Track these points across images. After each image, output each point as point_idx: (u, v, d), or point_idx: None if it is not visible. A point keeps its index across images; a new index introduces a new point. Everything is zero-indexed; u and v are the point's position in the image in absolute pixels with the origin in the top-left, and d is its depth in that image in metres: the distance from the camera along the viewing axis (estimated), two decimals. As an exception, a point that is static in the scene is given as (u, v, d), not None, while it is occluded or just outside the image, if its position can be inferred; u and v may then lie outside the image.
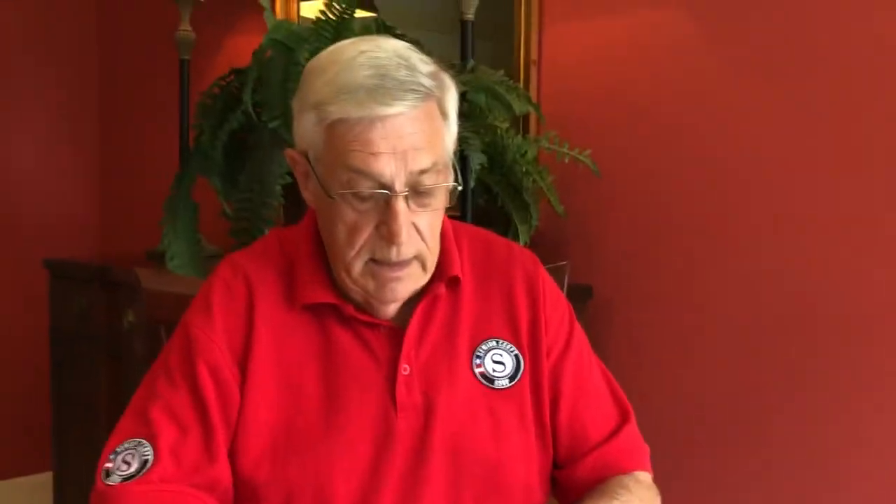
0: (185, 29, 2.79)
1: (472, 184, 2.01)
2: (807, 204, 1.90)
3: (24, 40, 3.48)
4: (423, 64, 1.11)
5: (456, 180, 1.14)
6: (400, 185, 1.07)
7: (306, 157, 1.14)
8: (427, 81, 1.10)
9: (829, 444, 1.87)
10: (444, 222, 1.18)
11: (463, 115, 2.06)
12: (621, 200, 2.18)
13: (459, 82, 1.95)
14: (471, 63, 2.07)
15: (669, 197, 2.10)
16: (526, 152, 2.13)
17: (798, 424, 1.91)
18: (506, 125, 2.15)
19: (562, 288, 1.59)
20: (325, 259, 1.18)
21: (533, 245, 2.14)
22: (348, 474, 1.12)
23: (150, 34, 3.36)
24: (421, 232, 1.11)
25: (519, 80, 2.26)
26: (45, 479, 3.08)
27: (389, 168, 1.07)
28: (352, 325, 1.16)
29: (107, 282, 2.57)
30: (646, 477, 1.25)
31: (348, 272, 1.12)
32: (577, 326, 1.27)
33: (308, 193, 1.17)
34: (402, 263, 1.11)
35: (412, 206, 1.09)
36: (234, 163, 2.07)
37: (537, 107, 2.17)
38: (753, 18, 1.96)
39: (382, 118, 1.06)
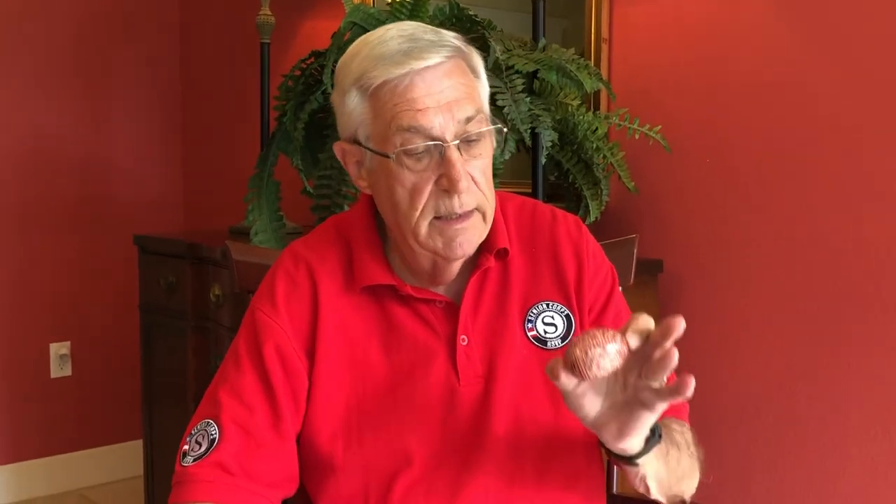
0: (266, 13, 2.86)
1: (543, 160, 2.05)
2: (884, 183, 1.88)
3: (111, 27, 3.60)
4: (446, 31, 1.20)
5: (501, 133, 1.20)
6: (451, 136, 1.13)
7: (356, 142, 1.20)
8: (454, 41, 1.18)
9: None
10: None
11: (534, 93, 2.11)
12: (692, 176, 2.18)
13: (532, 61, 2.02)
14: (542, 42, 2.09)
15: (741, 173, 2.10)
16: (597, 129, 2.14)
17: (871, 403, 1.90)
18: (576, 102, 2.18)
19: (631, 261, 1.62)
20: (381, 242, 1.25)
21: (604, 220, 2.17)
22: (420, 442, 1.18)
23: (230, 19, 3.45)
24: (477, 182, 1.16)
25: (590, 58, 2.28)
26: (136, 446, 3.21)
27: (438, 120, 1.13)
28: (409, 303, 1.23)
29: (194, 257, 2.63)
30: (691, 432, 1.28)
31: (416, 236, 1.17)
32: (618, 289, 1.32)
33: (362, 181, 1.23)
34: (465, 215, 1.16)
35: (465, 155, 1.15)
36: (314, 142, 2.13)
37: (608, 84, 2.19)
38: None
39: (421, 73, 1.13)
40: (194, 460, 1.17)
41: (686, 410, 1.30)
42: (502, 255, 1.26)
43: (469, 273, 1.24)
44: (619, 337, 0.96)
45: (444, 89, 1.14)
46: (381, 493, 1.19)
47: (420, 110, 1.13)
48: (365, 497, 1.19)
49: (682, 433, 1.21)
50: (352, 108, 1.19)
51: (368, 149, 1.19)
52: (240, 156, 3.29)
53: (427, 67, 1.13)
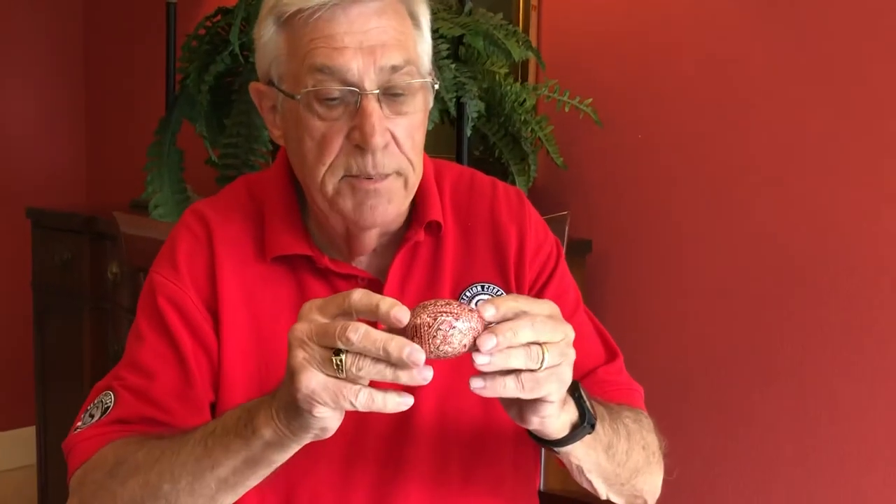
0: (172, -30, 2.68)
1: (468, 133, 1.96)
2: (806, 156, 1.84)
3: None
4: None
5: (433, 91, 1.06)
6: (370, 84, 0.98)
7: (270, 83, 1.05)
8: None
9: (825, 377, 1.85)
10: (424, 162, 1.10)
11: (460, 60, 2.00)
12: (623, 152, 2.11)
13: (457, 25, 1.90)
14: (469, 6, 1.99)
15: (674, 149, 2.03)
16: (525, 101, 2.06)
17: (799, 378, 1.88)
18: (504, 71, 2.08)
19: (562, 239, 1.52)
20: (298, 207, 1.10)
21: (531, 198, 2.05)
22: (333, 439, 1.04)
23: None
24: (399, 143, 1.01)
25: (518, 25, 2.18)
26: (28, 433, 3.04)
27: (356, 63, 0.98)
28: (327, 277, 1.08)
29: (91, 232, 2.50)
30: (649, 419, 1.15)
31: (323, 194, 1.03)
32: (564, 265, 1.19)
33: (277, 129, 1.08)
34: (382, 176, 1.01)
35: (386, 111, 1.00)
36: (220, 107, 2.00)
37: (538, 52, 2.08)
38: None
39: (345, 6, 0.98)
40: (85, 426, 1.03)
41: (640, 395, 1.18)
42: (434, 229, 1.11)
43: (396, 248, 1.10)
44: (475, 315, 0.80)
45: (369, 29, 0.98)
46: (286, 495, 1.05)
47: (337, 49, 0.98)
48: (261, 498, 1.05)
49: (637, 421, 1.08)
50: (266, 40, 1.04)
51: (281, 90, 1.04)
52: (146, 124, 3.10)
53: (354, 1, 0.98)
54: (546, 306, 0.84)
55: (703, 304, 2.01)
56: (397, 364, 0.77)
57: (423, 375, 0.78)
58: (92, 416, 1.04)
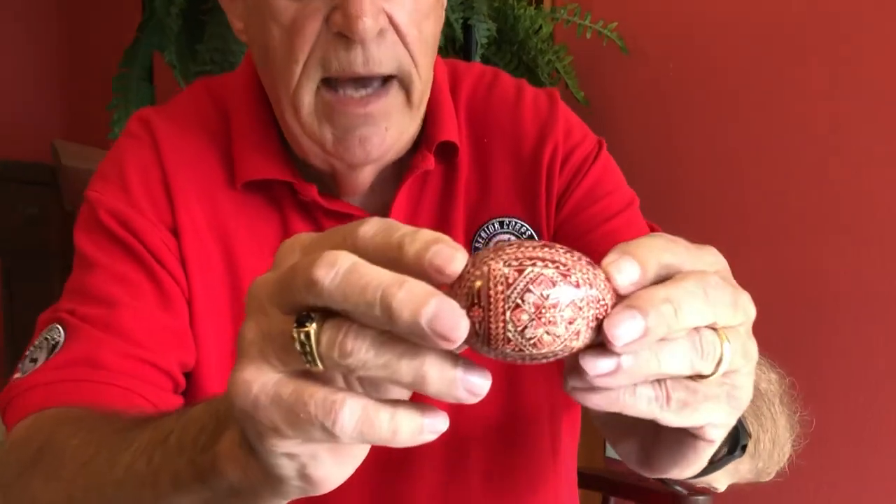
0: None
1: (476, 61, 1.77)
2: (864, 97, 1.65)
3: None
4: None
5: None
6: None
7: None
8: None
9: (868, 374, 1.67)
10: (436, 64, 0.85)
11: (466, -24, 1.79)
12: (653, 85, 1.95)
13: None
14: (476, -86, 1.77)
15: (710, 81, 1.86)
16: (540, 27, 1.90)
17: (844, 362, 1.72)
18: (517, -12, 1.90)
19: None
20: (274, 118, 0.87)
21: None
22: None
23: None
24: (401, 31, 0.77)
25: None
26: None
27: None
28: (312, 213, 0.86)
29: (58, 185, 2.30)
30: None
31: (296, 110, 0.79)
32: (606, 160, 0.91)
33: (238, 20, 0.85)
34: (377, 93, 0.77)
35: None
36: (192, 32, 1.77)
37: (555, -32, 1.89)
38: None
39: None
40: (25, 374, 0.78)
41: None
42: (448, 152, 0.88)
43: (399, 178, 0.86)
44: (600, 276, 0.43)
45: None
46: None
47: None
48: None
49: (765, 374, 0.80)
50: None
51: None
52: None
53: None
54: (710, 256, 0.48)
55: (750, 259, 1.84)
56: (414, 333, 0.40)
57: (472, 382, 0.42)
58: (34, 360, 0.79)
